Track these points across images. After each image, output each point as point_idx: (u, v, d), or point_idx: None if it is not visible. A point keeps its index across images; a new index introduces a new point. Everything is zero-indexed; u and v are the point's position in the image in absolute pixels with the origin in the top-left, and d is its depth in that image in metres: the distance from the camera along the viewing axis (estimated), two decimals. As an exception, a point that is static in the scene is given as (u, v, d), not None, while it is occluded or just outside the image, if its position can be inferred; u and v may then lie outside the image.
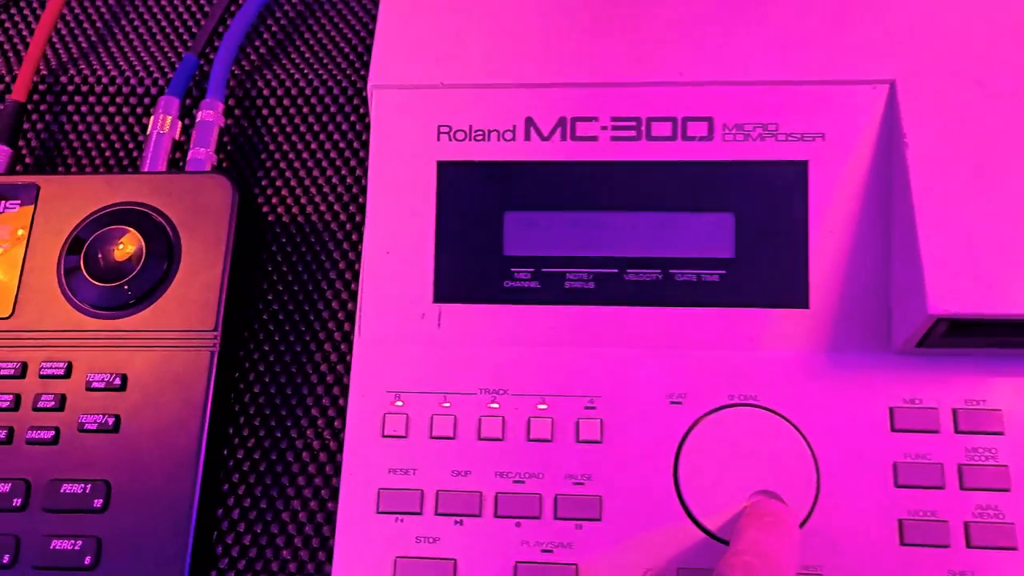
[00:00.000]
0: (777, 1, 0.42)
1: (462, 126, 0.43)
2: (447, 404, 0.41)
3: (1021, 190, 0.37)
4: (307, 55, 0.55)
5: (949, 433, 0.38)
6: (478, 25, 0.43)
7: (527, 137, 0.42)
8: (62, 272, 0.45)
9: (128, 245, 0.45)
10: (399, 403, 0.41)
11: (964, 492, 0.38)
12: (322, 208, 0.51)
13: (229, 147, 0.53)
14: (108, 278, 0.45)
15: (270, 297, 0.49)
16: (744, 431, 0.39)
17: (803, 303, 0.40)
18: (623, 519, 0.39)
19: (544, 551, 0.39)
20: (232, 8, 0.57)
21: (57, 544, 0.41)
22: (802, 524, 0.38)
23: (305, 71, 0.54)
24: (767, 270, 0.40)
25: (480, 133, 0.42)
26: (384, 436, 0.41)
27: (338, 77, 0.54)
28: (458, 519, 0.39)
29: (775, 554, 0.33)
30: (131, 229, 0.45)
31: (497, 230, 0.42)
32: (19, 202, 0.47)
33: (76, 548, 0.41)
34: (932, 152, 0.38)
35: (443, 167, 0.42)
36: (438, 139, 0.43)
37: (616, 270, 0.41)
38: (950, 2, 0.41)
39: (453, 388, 0.41)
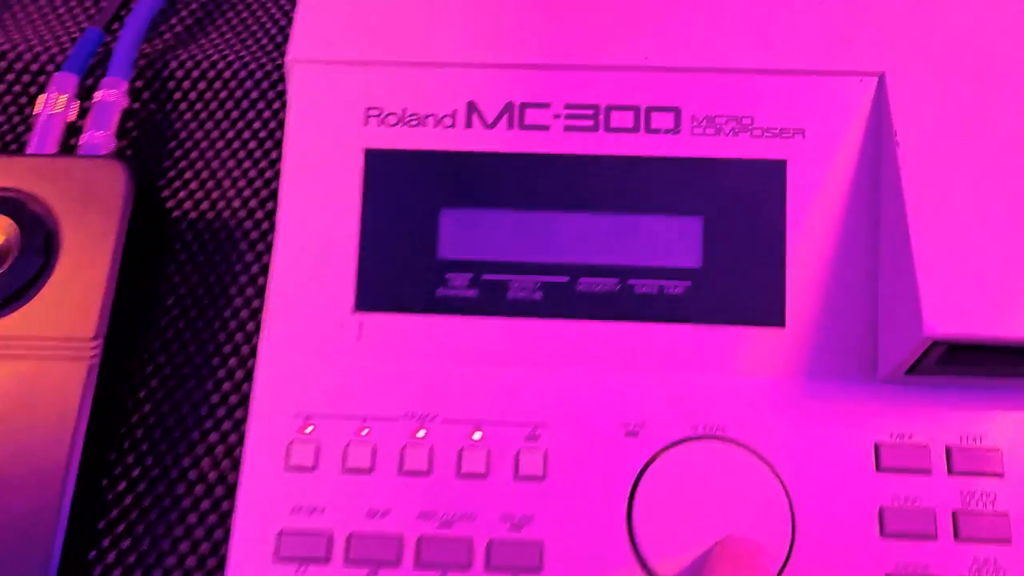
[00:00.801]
0: (753, -18, 0.37)
1: (394, 109, 0.37)
2: (365, 431, 0.35)
3: (1027, 198, 0.32)
4: (228, 34, 0.49)
5: (942, 474, 0.33)
6: (416, -3, 0.38)
7: (468, 124, 0.37)
8: (-82, 266, 0.39)
9: (-3, 236, 0.39)
10: (308, 429, 0.35)
11: (959, 544, 0.33)
12: (235, 204, 0.45)
13: (134, 133, 0.47)
14: (-29, 274, 0.38)
15: (170, 302, 0.43)
16: (709, 468, 0.34)
17: (778, 321, 0.35)
18: (568, 569, 0.33)
19: (474, 607, 0.33)
20: (145, -20, 0.50)
21: None
22: (775, 578, 0.33)
23: (224, 51, 0.48)
24: (738, 282, 0.35)
25: (414, 118, 0.37)
26: (288, 468, 0.35)
27: (261, 60, 0.48)
28: (372, 568, 0.33)
29: None
30: (3, 217, 0.39)
31: (431, 230, 0.36)
32: None
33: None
34: (926, 153, 0.34)
35: (371, 156, 0.37)
36: (366, 123, 0.37)
37: (567, 279, 0.36)
38: (945, -11, 0.36)
39: (373, 412, 0.35)
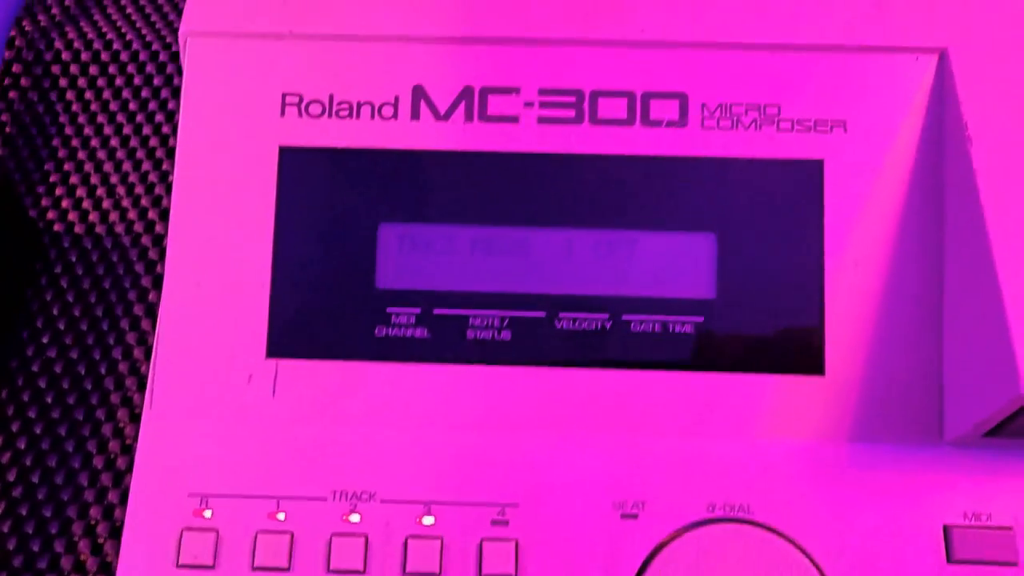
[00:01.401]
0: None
1: (318, 96, 0.29)
2: (281, 515, 0.27)
3: None
4: (128, 7, 0.40)
5: (1032, 567, 0.26)
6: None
7: (415, 115, 0.29)
8: None
9: None
10: (207, 513, 0.27)
11: (1058, 660, 0.25)
12: (131, 215, 0.36)
13: (8, 128, 0.38)
14: None
15: (45, 340, 0.34)
16: (731, 560, 0.26)
17: (816, 368, 0.27)
18: None
19: None
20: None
21: None
22: None
23: (122, 28, 0.40)
24: (763, 318, 0.27)
25: (345, 107, 0.29)
26: (179, 566, 0.26)
27: (167, 39, 0.39)
28: None
29: None
30: None
31: (368, 251, 0.28)
32: None
33: None
34: (1007, 151, 0.26)
35: (288, 155, 0.28)
36: (282, 114, 0.29)
37: (543, 314, 0.28)
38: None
39: (291, 490, 0.27)
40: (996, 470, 0.27)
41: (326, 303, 0.28)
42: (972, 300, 0.26)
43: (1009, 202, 0.25)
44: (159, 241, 0.35)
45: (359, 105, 0.29)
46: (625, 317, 0.28)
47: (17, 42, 0.39)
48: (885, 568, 0.26)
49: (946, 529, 0.26)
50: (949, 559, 0.26)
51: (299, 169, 0.28)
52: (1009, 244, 0.25)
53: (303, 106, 0.29)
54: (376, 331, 0.28)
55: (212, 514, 0.27)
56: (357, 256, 0.28)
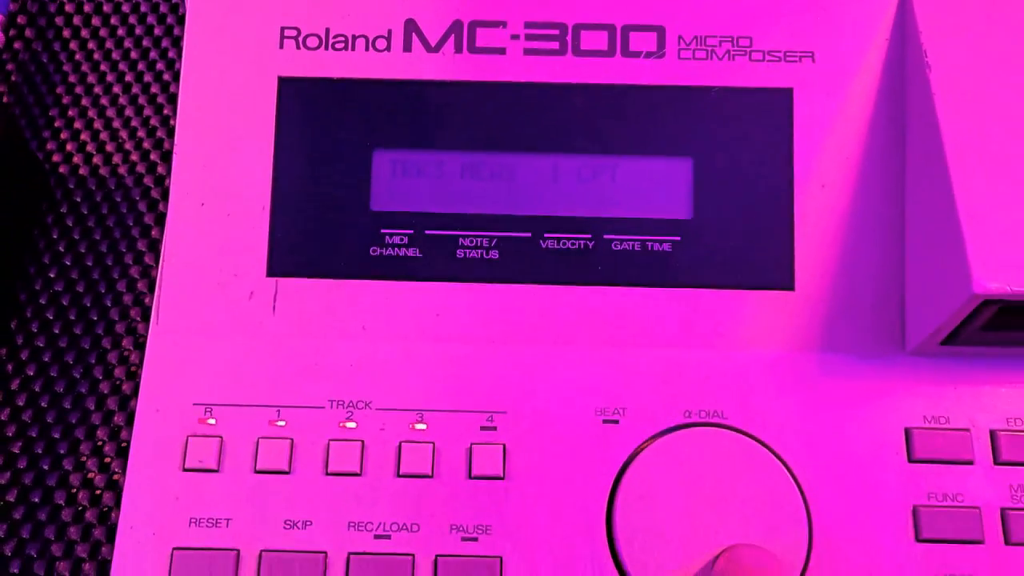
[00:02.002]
0: None
1: (315, 29, 0.30)
2: (281, 423, 0.28)
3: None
4: (127, -38, 0.42)
5: (987, 464, 0.28)
6: None
7: (407, 47, 0.30)
8: None
9: None
10: (211, 421, 0.28)
11: (1011, 548, 0.27)
12: (134, 157, 0.37)
13: (14, 77, 0.39)
14: None
15: (53, 274, 0.35)
16: (706, 462, 0.28)
17: (786, 283, 0.29)
18: (533, 591, 0.27)
19: (417, 641, 0.26)
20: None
21: None
22: (789, 596, 0.26)
23: (122, -19, 0.41)
24: (737, 237, 0.29)
25: (340, 39, 0.30)
26: (186, 469, 0.28)
27: (167, -9, 0.41)
28: (290, 594, 0.27)
29: None
30: None
31: (362, 176, 0.30)
32: None
33: None
34: (964, 78, 0.28)
35: (286, 85, 0.30)
36: (281, 46, 0.30)
37: (529, 234, 0.29)
38: None
39: (290, 399, 0.28)
40: (954, 378, 0.29)
41: (323, 225, 0.30)
42: (930, 215, 0.27)
43: (964, 123, 0.27)
44: (161, 181, 0.37)
45: (354, 38, 0.30)
46: (607, 237, 0.29)
47: (21, -6, 0.41)
48: (850, 468, 0.28)
49: (907, 432, 0.28)
50: (910, 459, 0.28)
51: (297, 98, 0.30)
52: (963, 159, 0.26)
53: (301, 39, 0.30)
54: (371, 251, 0.29)
55: (216, 422, 0.28)
56: (352, 180, 0.30)
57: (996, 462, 0.28)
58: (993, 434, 0.28)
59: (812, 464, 0.28)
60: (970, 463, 0.28)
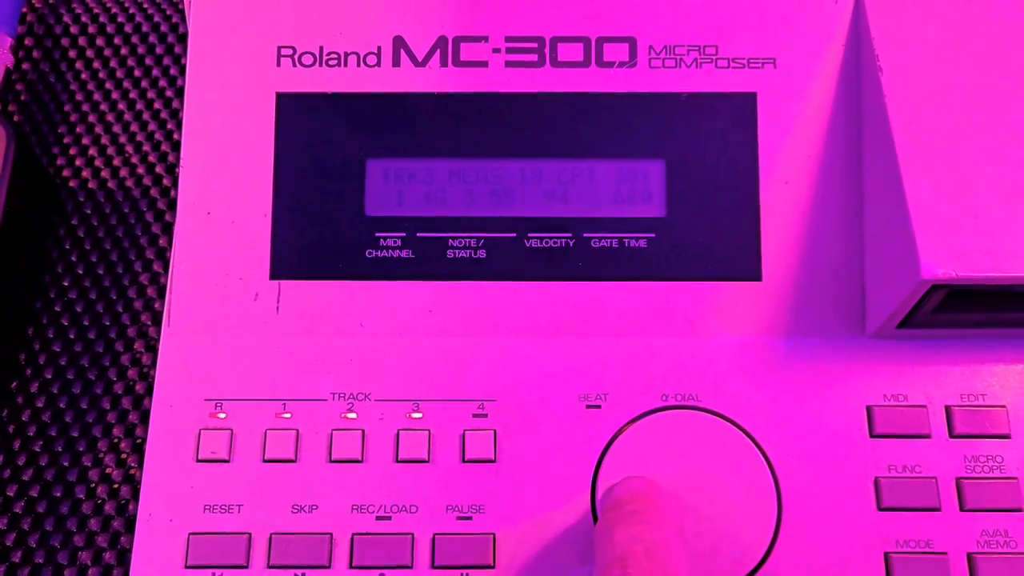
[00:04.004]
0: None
1: (309, 47, 0.32)
2: (287, 415, 0.30)
3: (1025, 124, 0.29)
4: (129, -16, 0.44)
5: (943, 437, 0.30)
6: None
7: (396, 62, 0.32)
8: None
9: None
10: (221, 415, 0.30)
11: (965, 514, 0.29)
12: (140, 171, 0.39)
13: (23, 96, 0.41)
14: None
15: (66, 283, 0.37)
16: (682, 442, 0.30)
17: (754, 274, 0.31)
18: (524, 564, 0.29)
19: (417, 613, 0.28)
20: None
21: None
22: (761, 561, 0.29)
23: (124, 2, 0.43)
24: (707, 232, 0.31)
25: (334, 56, 0.32)
26: (199, 460, 0.30)
27: (167, 11, 0.43)
28: (299, 572, 0.29)
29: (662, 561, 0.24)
30: None
31: (357, 183, 0.32)
32: None
33: None
34: (912, 80, 0.30)
35: (284, 100, 0.32)
36: (278, 64, 0.32)
37: (514, 234, 0.31)
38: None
39: (295, 393, 0.31)
40: (911, 359, 0.31)
41: (321, 230, 0.32)
42: (884, 206, 0.30)
43: (913, 121, 0.29)
44: (166, 192, 0.39)
45: (346, 55, 0.32)
46: (586, 235, 0.32)
47: (28, 17, 0.43)
48: (816, 444, 0.30)
49: (868, 409, 0.30)
50: (871, 434, 0.30)
51: (294, 112, 0.32)
52: (912, 154, 0.28)
53: (296, 57, 0.32)
54: (366, 253, 0.32)
55: (226, 416, 0.30)
56: (348, 188, 0.32)
57: (951, 435, 0.30)
58: (948, 409, 0.30)
59: (781, 441, 0.30)
60: (927, 437, 0.30)
